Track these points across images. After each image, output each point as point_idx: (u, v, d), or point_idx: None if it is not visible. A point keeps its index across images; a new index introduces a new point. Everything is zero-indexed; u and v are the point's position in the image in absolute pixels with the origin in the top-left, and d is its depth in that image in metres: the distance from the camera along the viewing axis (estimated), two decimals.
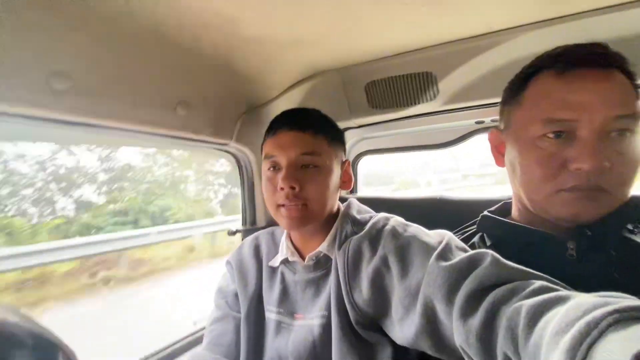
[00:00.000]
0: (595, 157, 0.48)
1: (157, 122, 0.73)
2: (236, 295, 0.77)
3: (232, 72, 0.81)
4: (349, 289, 0.62)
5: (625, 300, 0.31)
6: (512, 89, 0.62)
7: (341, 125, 1.12)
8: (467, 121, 1.02)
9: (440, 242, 0.54)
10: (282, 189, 0.64)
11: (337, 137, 0.74)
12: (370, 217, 0.70)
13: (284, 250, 0.74)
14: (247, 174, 1.06)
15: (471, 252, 0.48)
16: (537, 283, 0.39)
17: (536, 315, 0.34)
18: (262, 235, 0.83)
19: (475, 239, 0.66)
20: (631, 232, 0.55)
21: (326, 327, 0.64)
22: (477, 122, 1.02)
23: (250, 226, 1.10)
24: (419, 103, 0.96)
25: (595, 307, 0.30)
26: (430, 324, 0.48)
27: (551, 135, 0.52)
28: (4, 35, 0.46)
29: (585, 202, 0.50)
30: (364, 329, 0.61)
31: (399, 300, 0.54)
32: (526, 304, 0.36)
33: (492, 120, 1.00)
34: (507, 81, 0.84)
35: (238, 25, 0.68)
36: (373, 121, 1.07)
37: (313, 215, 0.67)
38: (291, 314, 0.70)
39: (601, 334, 0.27)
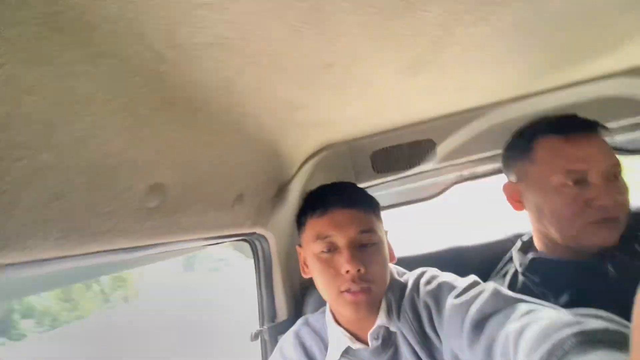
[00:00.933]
0: (610, 195, 0.65)
1: (210, 224, 0.59)
2: None
3: (273, 156, 0.74)
4: (428, 351, 0.60)
5: (591, 322, 0.38)
6: (517, 148, 0.78)
7: None
8: (450, 175, 1.18)
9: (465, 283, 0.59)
10: (347, 272, 0.59)
11: (378, 208, 0.73)
12: (413, 275, 0.70)
13: (341, 339, 0.65)
14: (264, 263, 0.93)
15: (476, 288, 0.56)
16: (522, 306, 0.47)
17: (517, 336, 0.41)
18: (300, 329, 0.73)
19: (521, 278, 0.74)
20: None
21: None
22: (458, 176, 1.19)
23: (271, 322, 0.94)
24: (417, 165, 1.07)
25: (564, 326, 0.37)
26: None
27: (571, 183, 0.66)
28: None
29: (608, 230, 0.65)
30: None
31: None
32: (512, 328, 0.43)
33: (470, 173, 1.18)
34: (491, 139, 1.03)
35: (289, 108, 0.65)
36: (375, 183, 1.11)
37: (378, 297, 0.64)
38: None
39: (564, 355, 0.33)
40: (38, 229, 0.33)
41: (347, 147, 1.01)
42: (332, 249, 0.62)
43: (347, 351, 0.65)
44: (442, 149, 1.04)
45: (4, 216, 0.30)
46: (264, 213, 0.81)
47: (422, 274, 0.67)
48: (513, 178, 0.81)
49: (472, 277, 0.61)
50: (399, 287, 0.68)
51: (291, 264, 1.00)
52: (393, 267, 0.74)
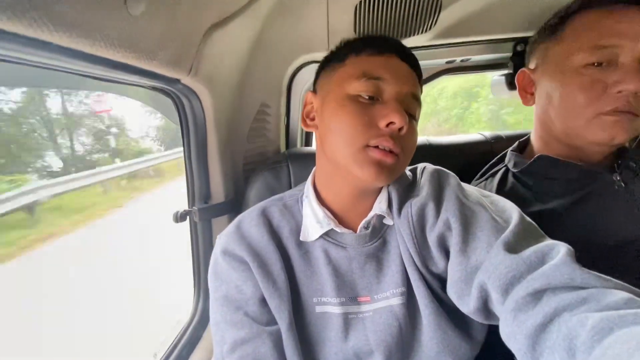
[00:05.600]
0: (638, 79, 0.54)
1: (101, 25, 0.34)
2: (262, 300, 0.53)
3: None
4: (423, 259, 0.52)
5: None
6: (550, 28, 0.65)
7: (314, 57, 0.88)
8: (439, 60, 0.97)
9: (506, 222, 0.48)
10: (389, 124, 0.49)
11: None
12: (416, 170, 0.59)
13: (322, 220, 0.54)
14: (196, 129, 0.70)
15: (541, 243, 0.43)
16: (617, 294, 0.34)
17: (604, 331, 0.30)
18: (270, 204, 0.59)
19: (511, 178, 0.69)
20: None
21: (409, 305, 0.53)
22: (448, 62, 0.99)
23: (204, 203, 0.78)
24: (410, 35, 0.83)
25: None
26: (485, 309, 0.45)
27: (594, 63, 0.57)
28: None
29: (621, 125, 0.57)
30: (447, 297, 0.52)
31: (456, 275, 0.48)
32: (595, 317, 0.32)
33: (462, 60, 0.98)
34: (499, 20, 0.84)
35: None
36: None
37: (399, 170, 0.53)
38: (354, 299, 0.54)
39: None
40: None
41: None
42: (376, 95, 0.51)
43: (327, 233, 0.55)
44: (445, 17, 0.80)
45: None
46: (185, 50, 0.54)
47: (446, 178, 0.56)
48: (532, 64, 0.70)
49: (514, 209, 0.51)
50: (403, 181, 0.57)
51: (235, 134, 0.79)
52: None
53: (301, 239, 0.55)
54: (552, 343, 0.33)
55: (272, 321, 0.53)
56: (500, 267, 0.42)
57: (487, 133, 0.94)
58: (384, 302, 0.53)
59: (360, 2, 0.75)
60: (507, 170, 0.70)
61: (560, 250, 0.40)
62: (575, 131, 0.61)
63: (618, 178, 0.60)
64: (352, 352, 0.52)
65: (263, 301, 0.53)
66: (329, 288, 0.54)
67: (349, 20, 0.78)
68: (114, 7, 0.36)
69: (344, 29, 0.80)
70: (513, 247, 0.44)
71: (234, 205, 0.84)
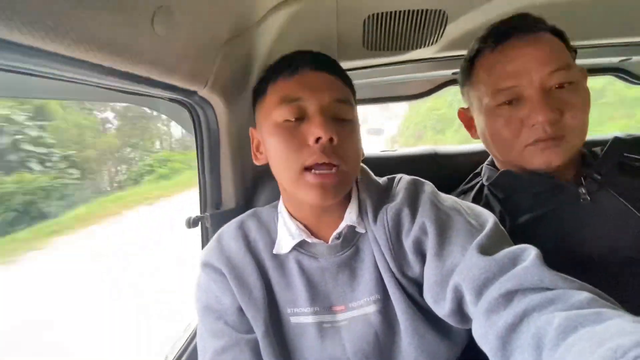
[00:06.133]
0: (544, 110, 0.55)
1: (130, 43, 0.36)
2: (239, 310, 0.55)
3: None
4: (399, 264, 0.53)
5: None
6: (464, 72, 0.69)
7: None
8: (445, 71, 0.99)
9: (482, 225, 0.49)
10: (317, 140, 0.49)
11: (353, 91, 0.61)
12: (394, 180, 0.61)
13: (294, 232, 0.56)
14: (209, 138, 0.72)
15: (514, 246, 0.45)
16: (581, 295, 0.36)
17: (568, 329, 0.32)
18: (246, 219, 0.62)
19: (486, 191, 0.70)
20: (624, 161, 0.65)
21: (385, 312, 0.54)
22: (454, 73, 1.01)
23: (216, 209, 0.80)
24: (417, 48, 0.85)
25: (627, 334, 0.28)
26: (460, 311, 0.46)
27: (504, 103, 0.60)
28: None
29: (550, 151, 0.58)
30: (423, 300, 0.54)
31: (432, 279, 0.49)
32: (561, 316, 0.33)
33: None
34: None
35: None
36: (362, 65, 0.89)
37: (347, 182, 0.54)
38: (328, 308, 0.55)
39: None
40: None
41: (335, 1, 0.74)
42: (300, 116, 0.52)
43: (300, 245, 0.57)
44: (450, 31, 0.82)
45: None
46: (203, 64, 0.56)
47: (422, 187, 0.58)
48: (465, 104, 0.73)
49: (489, 216, 0.53)
50: (377, 189, 0.59)
51: (246, 143, 0.81)
52: (366, 167, 0.64)
53: (274, 251, 0.57)
54: (522, 342, 0.35)
55: (251, 330, 0.55)
56: (474, 270, 0.43)
57: None
58: (358, 310, 0.55)
59: (369, 15, 0.77)
60: (482, 185, 0.71)
61: (531, 252, 0.42)
62: (515, 161, 0.63)
63: (584, 191, 0.60)
64: None
65: (241, 311, 0.55)
66: (302, 299, 0.55)
67: (358, 33, 0.80)
68: (142, 28, 0.39)
69: (353, 41, 0.83)
70: (487, 249, 0.45)
71: (244, 212, 0.86)
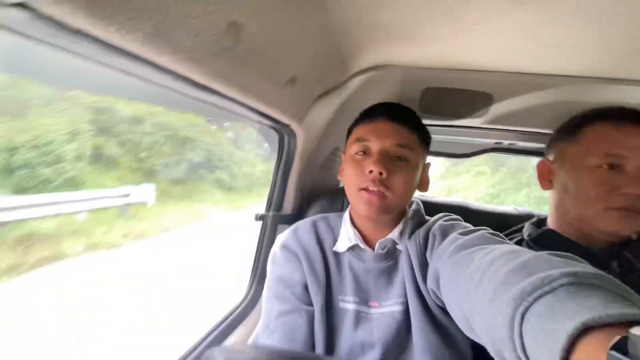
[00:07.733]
0: None
1: (261, 93, 0.61)
2: (304, 286, 0.73)
3: (330, 48, 0.72)
4: (422, 275, 0.67)
5: (588, 267, 0.35)
6: (566, 131, 0.78)
7: None
8: (489, 140, 1.14)
9: (473, 231, 0.62)
10: (370, 172, 0.66)
11: (426, 139, 0.78)
12: (432, 217, 0.77)
13: (351, 237, 0.74)
14: (287, 157, 0.97)
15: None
16: (508, 246, 0.49)
17: (489, 266, 0.43)
18: (318, 220, 0.82)
19: (524, 246, 0.78)
20: None
21: (406, 313, 0.69)
22: (496, 143, 1.15)
23: (276, 212, 1.03)
24: (466, 117, 1.03)
25: (553, 266, 0.34)
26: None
27: (606, 167, 0.68)
28: None
29: (627, 220, 0.66)
30: (441, 312, 0.67)
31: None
32: (488, 258, 0.45)
33: (510, 144, 1.14)
34: (548, 116, 0.98)
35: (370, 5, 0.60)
36: None
37: (391, 206, 0.69)
38: (366, 302, 0.72)
39: (552, 290, 0.30)
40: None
41: (401, 74, 0.96)
42: (366, 152, 0.70)
43: (353, 248, 0.74)
44: (496, 109, 0.99)
45: None
46: (303, 109, 0.81)
47: (445, 215, 0.75)
48: (551, 156, 0.82)
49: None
50: (420, 219, 0.76)
51: (310, 166, 1.04)
52: (421, 206, 0.82)
53: (334, 249, 0.75)
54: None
55: (310, 303, 0.72)
56: (444, 246, 0.60)
57: (522, 209, 1.06)
58: (387, 308, 0.70)
59: (427, 88, 0.98)
60: (522, 239, 0.80)
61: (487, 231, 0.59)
62: (587, 219, 0.70)
63: (616, 264, 0.68)
64: (359, 342, 0.69)
65: (306, 287, 0.73)
66: (349, 290, 0.72)
67: (416, 100, 1.01)
68: (272, 84, 0.64)
69: (412, 105, 1.03)
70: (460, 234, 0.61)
71: (297, 219, 1.06)
